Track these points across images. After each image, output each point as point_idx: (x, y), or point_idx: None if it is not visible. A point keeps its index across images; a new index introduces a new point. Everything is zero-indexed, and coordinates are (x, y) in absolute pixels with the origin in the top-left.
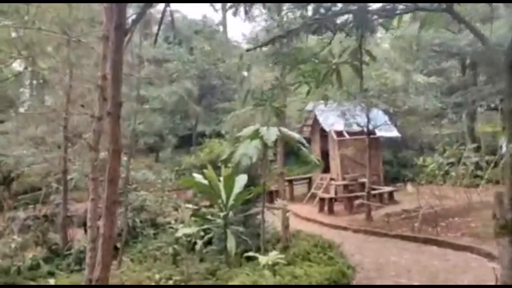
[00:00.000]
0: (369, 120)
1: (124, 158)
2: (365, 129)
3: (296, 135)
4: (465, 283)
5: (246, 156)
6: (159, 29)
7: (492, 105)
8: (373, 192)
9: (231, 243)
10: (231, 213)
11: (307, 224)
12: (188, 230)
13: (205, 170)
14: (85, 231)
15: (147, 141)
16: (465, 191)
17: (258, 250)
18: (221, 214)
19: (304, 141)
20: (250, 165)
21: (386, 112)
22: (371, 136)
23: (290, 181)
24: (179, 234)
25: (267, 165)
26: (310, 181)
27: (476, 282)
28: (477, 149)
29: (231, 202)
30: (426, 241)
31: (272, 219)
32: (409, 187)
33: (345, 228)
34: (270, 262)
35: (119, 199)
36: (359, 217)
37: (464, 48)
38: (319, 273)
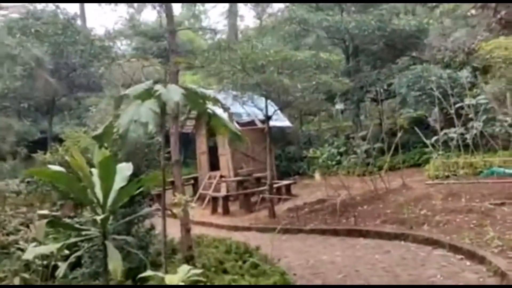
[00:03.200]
0: (266, 109)
1: None
2: (257, 119)
3: (212, 93)
4: (434, 277)
5: (136, 125)
6: None
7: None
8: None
9: (115, 262)
10: (111, 218)
11: (202, 229)
12: (43, 250)
13: (69, 158)
14: None
15: None
16: (361, 179)
17: (153, 266)
18: (97, 219)
19: (223, 104)
20: (137, 147)
21: (275, 101)
22: (264, 126)
23: (172, 183)
24: (28, 256)
25: (161, 146)
26: (196, 181)
27: (447, 275)
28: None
29: (111, 201)
30: (349, 233)
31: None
32: (317, 176)
33: (248, 229)
34: (182, 282)
35: None
36: (260, 214)
37: (353, 30)
38: None
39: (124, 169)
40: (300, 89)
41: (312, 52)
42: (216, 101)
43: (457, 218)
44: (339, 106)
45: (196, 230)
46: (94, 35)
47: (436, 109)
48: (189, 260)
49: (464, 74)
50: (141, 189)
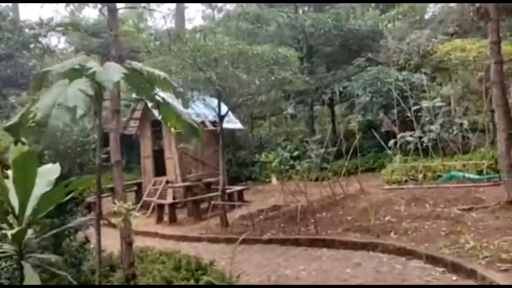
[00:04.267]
0: (219, 107)
1: None
2: (208, 121)
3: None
4: None
5: (60, 110)
6: None
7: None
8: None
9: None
10: (30, 232)
11: (146, 240)
12: None
13: None
14: None
15: None
16: (316, 184)
17: None
18: (9, 234)
19: (177, 88)
20: (68, 146)
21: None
22: (215, 128)
23: (112, 189)
24: None
25: (97, 143)
26: (139, 188)
27: None
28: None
29: (30, 209)
30: (312, 243)
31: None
32: (274, 180)
33: (198, 239)
34: None
35: None
36: (211, 223)
37: (309, 29)
38: None
39: (49, 171)
40: (257, 85)
41: (269, 48)
42: (167, 85)
43: (425, 225)
44: (290, 110)
45: (139, 242)
46: (24, 21)
47: (381, 115)
48: (130, 279)
49: (421, 77)
50: (72, 196)
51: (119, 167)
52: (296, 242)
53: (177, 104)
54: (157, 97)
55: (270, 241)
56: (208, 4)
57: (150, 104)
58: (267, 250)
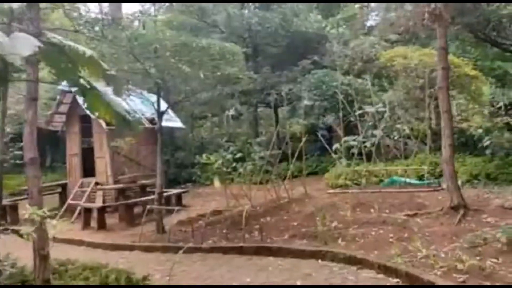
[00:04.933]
0: (159, 102)
1: None
2: (144, 118)
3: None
4: None
5: None
6: None
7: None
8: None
9: None
10: None
11: (69, 249)
12: None
13: None
14: None
15: None
16: (259, 188)
17: None
18: None
19: (108, 70)
20: None
21: (165, 98)
22: (153, 126)
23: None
24: None
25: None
26: (64, 189)
27: None
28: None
29: None
30: (257, 252)
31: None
32: (216, 183)
33: (131, 248)
34: None
35: None
36: (146, 229)
37: (255, 27)
38: None
39: None
40: (201, 80)
41: (215, 41)
42: (94, 66)
43: (372, 231)
44: (232, 111)
45: (61, 252)
46: None
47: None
48: None
49: (364, 82)
50: None
51: (34, 166)
52: (241, 251)
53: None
54: (82, 81)
55: (211, 250)
56: None
57: (73, 89)
58: (209, 260)
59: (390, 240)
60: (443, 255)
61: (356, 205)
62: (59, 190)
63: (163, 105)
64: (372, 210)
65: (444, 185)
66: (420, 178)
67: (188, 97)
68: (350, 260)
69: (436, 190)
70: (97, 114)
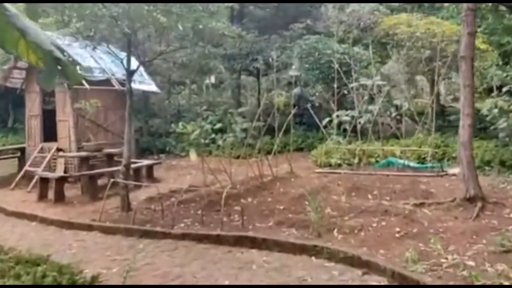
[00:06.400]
0: (129, 58)
1: None
2: (115, 79)
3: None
4: None
5: None
6: None
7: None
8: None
9: None
10: None
11: (19, 224)
12: None
13: None
14: None
15: None
16: (240, 162)
17: None
18: None
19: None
20: None
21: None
22: (123, 88)
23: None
24: None
25: None
26: (22, 154)
27: None
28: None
29: None
30: (238, 242)
31: None
32: (192, 156)
33: (89, 227)
34: None
35: None
36: (109, 205)
37: None
38: None
39: None
40: (181, 33)
41: None
42: None
43: (373, 222)
44: (211, 79)
45: (5, 229)
46: None
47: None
48: None
49: (361, 51)
50: None
51: None
52: (218, 240)
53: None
54: None
55: (183, 236)
56: None
57: None
58: (179, 250)
59: (397, 235)
60: (471, 262)
61: (351, 188)
62: (18, 154)
63: (135, 64)
64: (369, 196)
65: (450, 170)
66: (422, 161)
67: (164, 54)
68: (353, 262)
69: (439, 175)
70: (7, 47)
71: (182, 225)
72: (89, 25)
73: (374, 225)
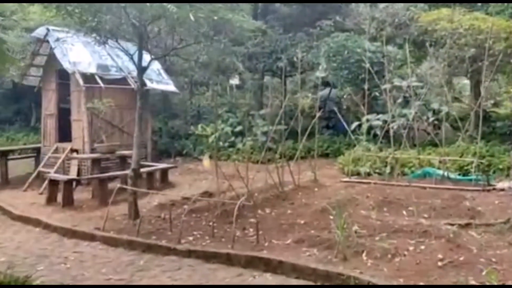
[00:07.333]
0: (140, 55)
1: None
2: (131, 78)
3: None
4: None
5: None
6: None
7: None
8: (141, 170)
9: None
10: None
11: (22, 230)
12: None
13: None
14: None
15: None
16: (259, 168)
17: None
18: None
19: None
20: None
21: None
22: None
23: (4, 154)
24: None
25: None
26: (38, 154)
27: None
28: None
29: None
30: (250, 263)
31: None
32: (205, 161)
33: (91, 237)
34: None
35: None
36: (117, 211)
37: None
38: None
39: None
40: (193, 25)
41: None
42: None
43: (409, 245)
44: (234, 80)
45: (7, 235)
46: None
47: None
48: None
49: (395, 50)
50: None
51: None
52: (228, 259)
53: None
54: None
55: (189, 253)
56: None
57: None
58: (182, 271)
59: (439, 263)
60: None
61: (382, 202)
62: (35, 154)
63: (147, 60)
64: (404, 212)
65: (498, 184)
66: (464, 173)
67: (177, 50)
68: None
69: (485, 189)
70: None
71: (191, 238)
72: (93, 15)
73: (411, 248)
